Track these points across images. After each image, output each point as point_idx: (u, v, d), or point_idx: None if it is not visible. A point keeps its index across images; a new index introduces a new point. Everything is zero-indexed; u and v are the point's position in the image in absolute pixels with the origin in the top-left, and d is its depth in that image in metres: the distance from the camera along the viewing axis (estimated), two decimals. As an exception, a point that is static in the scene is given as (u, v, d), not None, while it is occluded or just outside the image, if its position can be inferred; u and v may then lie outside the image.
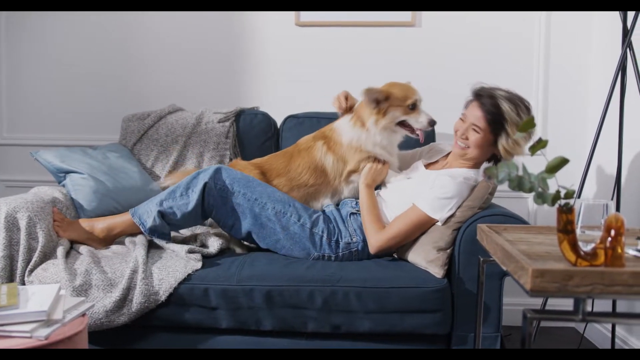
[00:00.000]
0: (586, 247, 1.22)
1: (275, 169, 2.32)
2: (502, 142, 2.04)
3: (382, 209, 2.17)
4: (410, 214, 2.04)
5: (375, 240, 2.06)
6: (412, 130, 2.21)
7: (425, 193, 2.04)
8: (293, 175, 2.29)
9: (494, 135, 2.05)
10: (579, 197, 2.44)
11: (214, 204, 2.10)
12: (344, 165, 2.26)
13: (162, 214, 2.09)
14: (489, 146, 2.09)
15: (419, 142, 2.28)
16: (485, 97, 2.06)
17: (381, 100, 2.16)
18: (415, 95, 2.19)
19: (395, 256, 2.15)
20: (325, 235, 2.10)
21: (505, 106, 2.02)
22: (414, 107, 2.18)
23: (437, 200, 2.00)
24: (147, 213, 2.11)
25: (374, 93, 2.15)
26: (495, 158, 2.15)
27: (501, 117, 2.02)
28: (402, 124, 2.21)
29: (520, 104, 2.04)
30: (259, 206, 2.09)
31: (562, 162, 1.17)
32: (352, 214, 2.18)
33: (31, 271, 1.96)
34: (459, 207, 2.01)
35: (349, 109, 2.32)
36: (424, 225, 2.03)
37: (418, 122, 2.19)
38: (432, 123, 2.18)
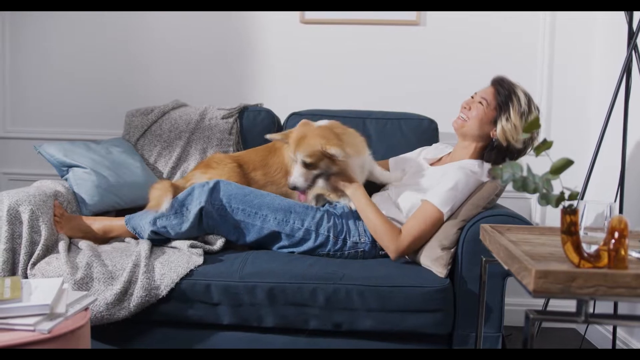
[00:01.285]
0: (589, 249, 1.22)
1: (252, 162, 2.32)
2: (503, 123, 2.08)
3: (391, 210, 2.15)
4: (423, 211, 2.02)
5: (396, 246, 2.00)
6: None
7: (435, 188, 2.04)
8: (268, 170, 2.30)
9: (497, 112, 2.10)
10: (582, 198, 2.43)
11: (214, 225, 2.09)
12: None
13: (155, 233, 2.09)
14: (487, 124, 2.12)
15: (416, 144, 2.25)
16: (503, 83, 2.13)
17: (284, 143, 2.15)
18: (291, 151, 2.06)
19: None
20: (331, 233, 2.09)
21: (520, 93, 2.09)
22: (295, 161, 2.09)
23: (447, 192, 2.00)
24: (141, 228, 2.11)
25: (274, 137, 2.15)
26: (491, 145, 2.14)
27: (510, 99, 2.08)
28: None
29: (533, 102, 2.12)
30: (261, 219, 2.08)
31: (566, 164, 1.17)
32: None
33: (34, 264, 1.96)
34: (464, 203, 2.01)
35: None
36: (440, 220, 2.01)
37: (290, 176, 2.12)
38: (290, 185, 2.08)
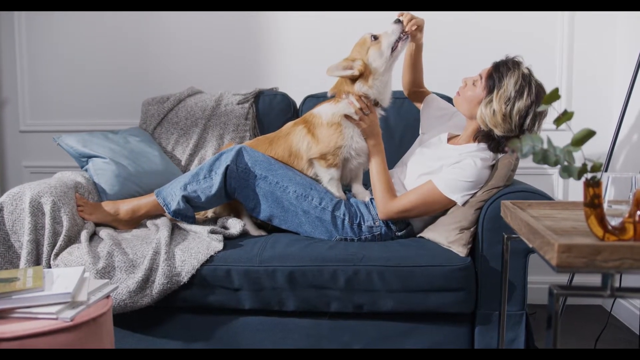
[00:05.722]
0: (614, 222, 1.19)
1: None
2: (482, 107, 2.01)
3: (399, 177, 2.17)
4: (425, 190, 2.02)
5: (385, 210, 2.06)
6: (397, 42, 2.12)
7: (444, 172, 2.02)
8: None
9: (484, 95, 2.02)
10: (606, 170, 2.38)
11: (235, 187, 2.09)
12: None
13: (186, 198, 2.09)
14: (476, 106, 2.05)
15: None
16: (502, 65, 2.02)
17: (350, 65, 2.14)
18: (365, 35, 2.16)
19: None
20: (347, 218, 2.08)
21: (512, 78, 1.97)
22: (376, 38, 2.13)
23: (455, 181, 1.98)
24: (171, 196, 2.11)
25: (339, 66, 2.15)
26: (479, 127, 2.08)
27: (498, 81, 1.98)
28: (392, 49, 2.13)
29: (530, 88, 1.96)
30: (280, 190, 2.08)
31: (588, 135, 1.13)
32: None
33: (57, 255, 1.98)
34: (480, 188, 1.98)
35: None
36: (437, 203, 2.01)
37: (392, 35, 2.12)
38: (397, 20, 2.11)
